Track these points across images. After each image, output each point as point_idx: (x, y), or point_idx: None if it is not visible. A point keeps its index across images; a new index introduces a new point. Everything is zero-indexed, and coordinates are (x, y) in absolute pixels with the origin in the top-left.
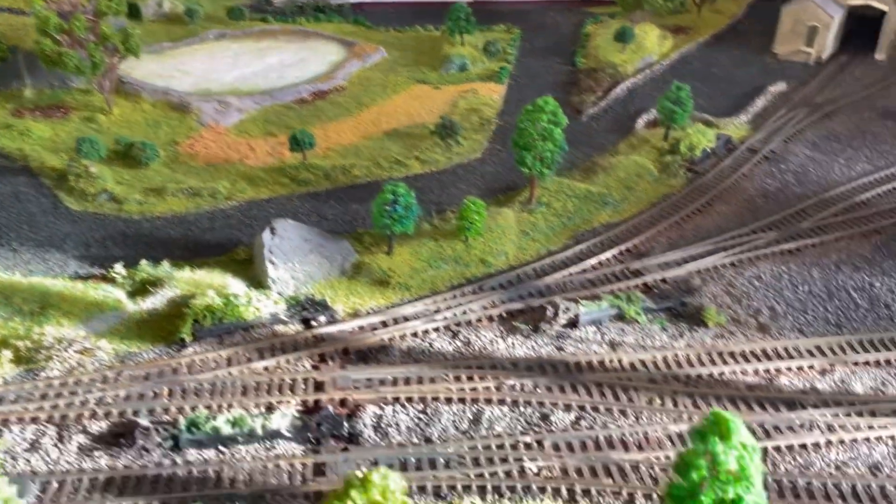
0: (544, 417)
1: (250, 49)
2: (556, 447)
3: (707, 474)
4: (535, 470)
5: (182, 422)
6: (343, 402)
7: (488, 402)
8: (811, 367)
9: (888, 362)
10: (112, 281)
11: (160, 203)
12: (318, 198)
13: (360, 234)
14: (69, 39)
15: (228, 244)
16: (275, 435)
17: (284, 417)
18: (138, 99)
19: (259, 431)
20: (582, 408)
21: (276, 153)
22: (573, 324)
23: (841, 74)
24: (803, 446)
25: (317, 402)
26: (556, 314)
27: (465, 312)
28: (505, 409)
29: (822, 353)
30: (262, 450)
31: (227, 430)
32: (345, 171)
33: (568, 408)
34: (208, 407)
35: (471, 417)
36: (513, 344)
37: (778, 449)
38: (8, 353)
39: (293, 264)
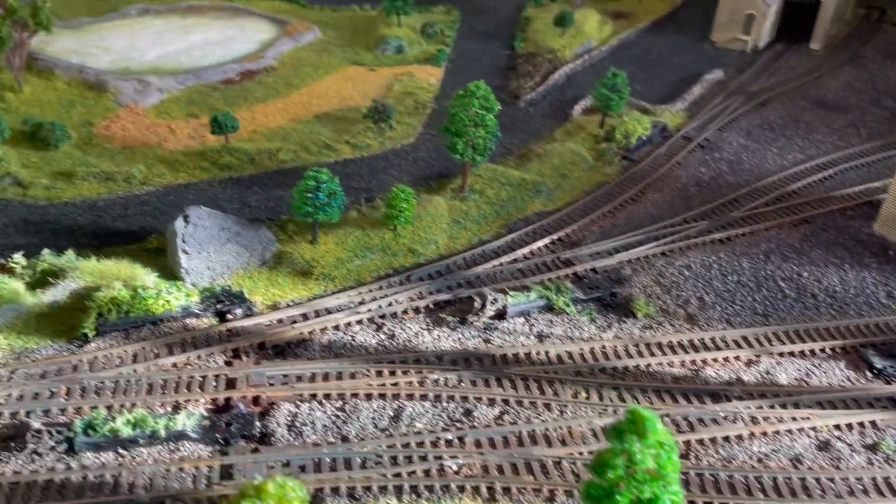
0: (467, 413)
1: (175, 26)
2: (478, 444)
3: (624, 474)
4: (455, 468)
5: (78, 423)
6: (256, 400)
7: (410, 397)
8: (737, 357)
9: (812, 353)
10: (10, 271)
11: (69, 188)
12: (240, 183)
13: (283, 221)
14: None
15: (141, 233)
16: (180, 436)
17: (191, 417)
18: (51, 77)
19: (162, 433)
20: (506, 402)
21: (198, 136)
22: (501, 315)
23: (776, 63)
24: (726, 439)
25: (227, 400)
26: (483, 305)
27: (390, 304)
28: (427, 404)
29: (749, 344)
30: (165, 452)
31: (127, 431)
32: (270, 155)
33: (492, 402)
34: (109, 407)
35: (391, 414)
36: (438, 336)
37: (701, 441)
38: None
39: (208, 254)
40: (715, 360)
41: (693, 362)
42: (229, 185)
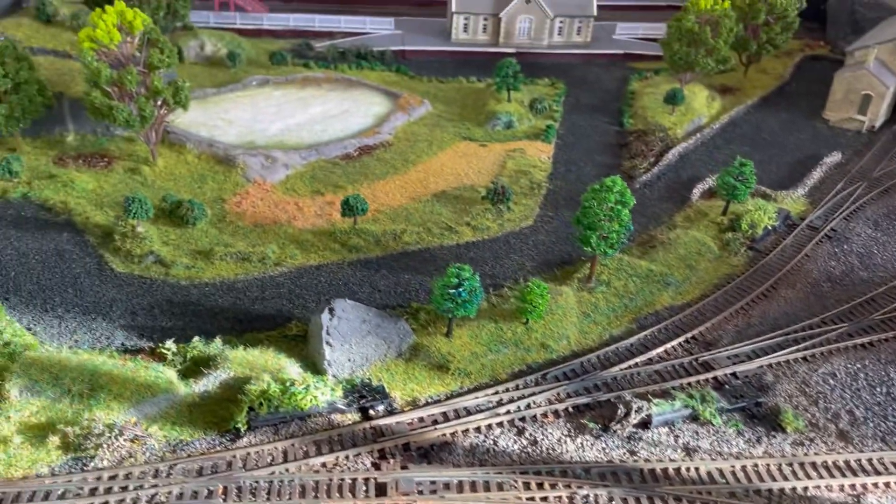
0: None
1: (293, 98)
2: None
3: None
4: None
5: None
6: None
7: None
8: None
9: None
10: (162, 358)
11: (208, 268)
12: (369, 265)
13: (414, 309)
14: (119, 92)
15: (279, 317)
16: None
17: None
18: (182, 150)
19: None
20: None
21: (325, 214)
22: (645, 424)
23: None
24: None
25: None
26: (627, 413)
27: (529, 406)
28: None
29: None
30: None
31: None
32: (396, 237)
33: None
34: None
35: None
36: (582, 445)
37: None
38: (55, 440)
39: (350, 346)
40: (875, 485)
41: (853, 487)
42: (358, 268)
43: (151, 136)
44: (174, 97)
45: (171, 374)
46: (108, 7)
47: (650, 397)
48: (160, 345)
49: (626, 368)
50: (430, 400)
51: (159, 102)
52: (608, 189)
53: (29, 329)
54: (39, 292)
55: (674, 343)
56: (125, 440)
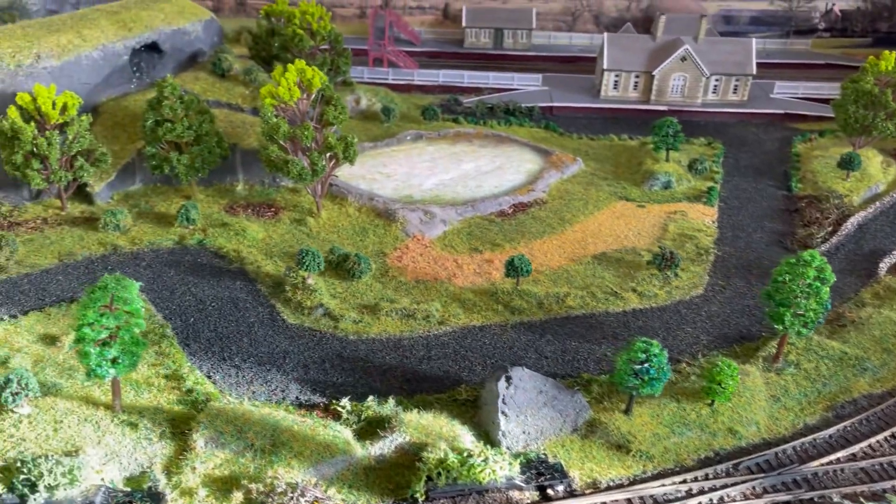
0: None
1: (446, 153)
2: None
3: None
4: None
5: None
6: None
7: None
8: None
9: None
10: (337, 416)
11: (375, 323)
12: (533, 329)
13: (586, 380)
14: (293, 146)
15: (447, 379)
16: None
17: None
18: (344, 202)
19: None
20: None
21: (484, 273)
22: None
23: None
24: None
25: None
26: None
27: (722, 500)
28: None
29: None
30: None
31: None
32: (559, 300)
33: None
34: None
35: None
36: None
37: None
38: (239, 495)
39: (525, 418)
40: None
41: None
42: (522, 331)
43: (318, 189)
44: (344, 152)
45: (347, 434)
46: (289, 66)
47: (862, 501)
48: (334, 402)
49: (827, 464)
50: (611, 483)
51: (329, 157)
52: (806, 264)
53: (209, 377)
54: (217, 340)
55: (879, 437)
56: (306, 501)
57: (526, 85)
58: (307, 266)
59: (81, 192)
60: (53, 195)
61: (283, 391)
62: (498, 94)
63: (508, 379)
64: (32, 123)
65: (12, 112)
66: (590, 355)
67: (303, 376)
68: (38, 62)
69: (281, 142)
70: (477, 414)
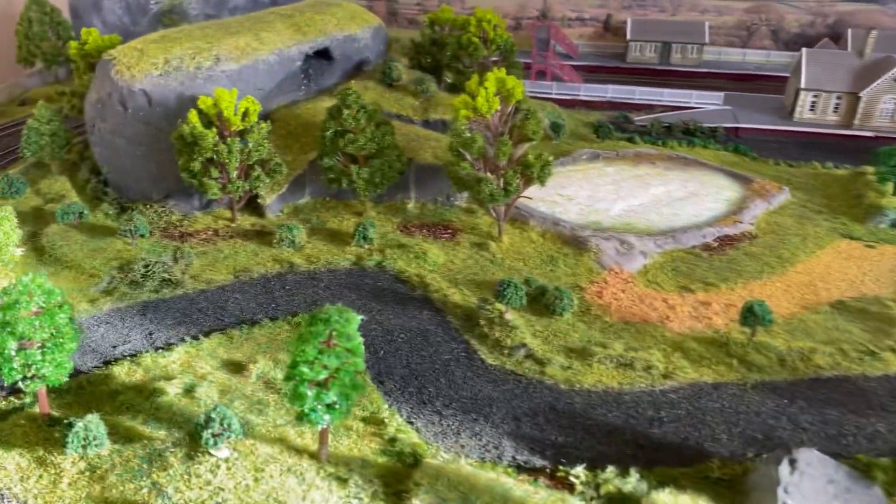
0: None
1: (628, 175)
2: None
3: None
4: None
5: None
6: None
7: None
8: None
9: None
10: (568, 486)
11: (587, 371)
12: (778, 391)
13: (864, 463)
14: (484, 164)
15: (686, 448)
16: None
17: None
18: (525, 227)
19: None
20: None
21: (702, 317)
22: None
23: None
24: None
25: None
26: None
27: None
28: None
29: None
30: None
31: None
32: (803, 356)
33: None
34: None
35: None
36: None
37: None
38: None
39: None
40: None
41: None
42: (765, 393)
43: (502, 212)
44: (540, 172)
45: None
46: (488, 75)
47: None
48: (562, 467)
49: None
50: None
51: (520, 177)
52: None
53: (410, 423)
54: (412, 378)
55: None
56: None
57: (705, 103)
58: (509, 300)
59: (251, 204)
60: (224, 206)
61: (496, 447)
62: (672, 112)
63: (793, 463)
64: (213, 129)
65: (193, 116)
66: (858, 430)
67: (515, 431)
68: (217, 65)
69: (472, 158)
70: (743, 500)
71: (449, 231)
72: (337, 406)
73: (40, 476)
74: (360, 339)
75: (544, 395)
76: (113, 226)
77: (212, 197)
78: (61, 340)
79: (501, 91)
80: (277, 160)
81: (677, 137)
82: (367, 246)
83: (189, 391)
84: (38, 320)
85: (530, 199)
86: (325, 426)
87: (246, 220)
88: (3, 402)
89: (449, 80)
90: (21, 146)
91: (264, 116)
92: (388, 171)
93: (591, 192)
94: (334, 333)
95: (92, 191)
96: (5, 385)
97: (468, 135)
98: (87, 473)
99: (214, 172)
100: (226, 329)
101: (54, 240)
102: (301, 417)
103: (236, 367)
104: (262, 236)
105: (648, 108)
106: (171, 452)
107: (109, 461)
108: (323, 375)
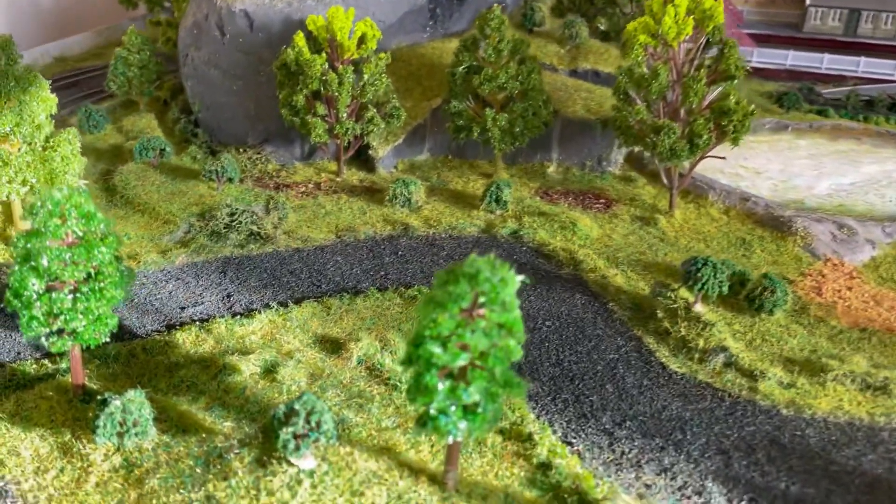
0: None
1: (828, 150)
2: None
3: None
4: None
5: None
6: None
7: None
8: None
9: None
10: None
11: (818, 392)
12: None
13: None
14: (661, 109)
15: None
16: None
17: None
18: (701, 200)
19: None
20: None
21: None
22: None
23: None
24: None
25: None
26: None
27: None
28: None
29: None
30: None
31: None
32: None
33: None
34: None
35: None
36: None
37: None
38: None
39: None
40: None
41: None
42: None
43: (675, 178)
44: (739, 124)
45: None
46: None
47: None
48: None
49: None
50: None
51: (712, 128)
52: None
53: (568, 444)
54: (565, 381)
55: None
56: None
57: None
58: (705, 285)
59: (359, 157)
60: (329, 156)
61: (697, 494)
62: (872, 85)
63: None
64: (323, 55)
65: (300, 40)
66: None
67: (724, 470)
68: None
69: (652, 100)
70: None
71: (601, 201)
72: (479, 410)
73: (61, 470)
74: (519, 312)
75: (760, 423)
76: (197, 169)
77: (315, 140)
78: (101, 285)
79: (695, 13)
80: (395, 103)
81: (879, 112)
82: (499, 211)
83: (269, 371)
84: (72, 253)
85: (723, 157)
86: (458, 438)
87: (353, 175)
88: (34, 366)
89: (602, 28)
90: (107, 79)
91: None
92: (532, 120)
93: (783, 166)
94: (483, 299)
95: (181, 132)
96: (27, 338)
97: (643, 69)
98: (122, 472)
99: (321, 109)
100: (322, 297)
101: (128, 178)
102: (424, 422)
103: (332, 346)
104: (371, 193)
105: (839, 79)
106: (237, 455)
107: (153, 458)
108: (461, 361)
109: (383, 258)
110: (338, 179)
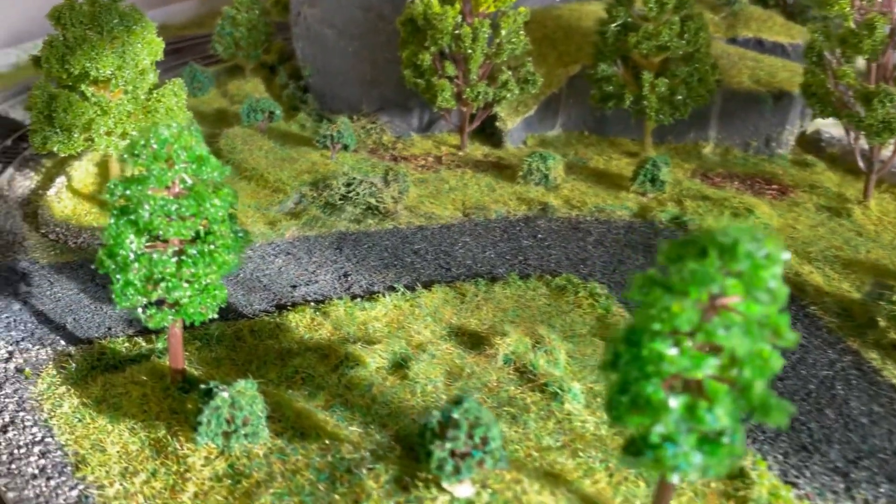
0: None
1: None
2: None
3: None
4: None
5: None
6: None
7: None
8: None
9: None
10: None
11: None
12: None
13: None
14: (871, 72)
15: None
16: None
17: None
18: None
19: None
20: None
21: None
22: None
23: None
24: None
25: None
26: None
27: None
28: None
29: None
30: None
31: None
32: None
33: None
34: None
35: None
36: None
37: None
38: None
39: None
40: None
41: None
42: None
43: (877, 161)
44: None
45: None
46: None
47: None
48: None
49: None
50: None
51: None
52: None
53: (791, 485)
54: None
55: None
56: None
57: None
58: None
59: (484, 131)
60: (452, 127)
61: None
62: None
63: None
64: (457, 6)
65: None
66: None
67: None
68: None
69: (864, 58)
70: None
71: (774, 187)
72: (725, 440)
73: (153, 473)
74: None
75: None
76: (308, 136)
77: (441, 106)
78: (212, 247)
79: None
80: (530, 68)
81: None
82: (652, 193)
83: (399, 366)
84: (179, 205)
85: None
86: (689, 478)
87: (476, 150)
88: (126, 344)
89: None
90: (212, 40)
91: None
92: (697, 88)
93: None
94: (739, 283)
95: (289, 98)
96: (120, 308)
97: (852, 25)
98: (227, 482)
99: (450, 69)
100: (454, 282)
101: (234, 143)
102: (638, 450)
103: (472, 340)
104: (499, 169)
105: None
106: (370, 472)
107: (265, 467)
108: (707, 369)
109: (520, 241)
110: (460, 153)
